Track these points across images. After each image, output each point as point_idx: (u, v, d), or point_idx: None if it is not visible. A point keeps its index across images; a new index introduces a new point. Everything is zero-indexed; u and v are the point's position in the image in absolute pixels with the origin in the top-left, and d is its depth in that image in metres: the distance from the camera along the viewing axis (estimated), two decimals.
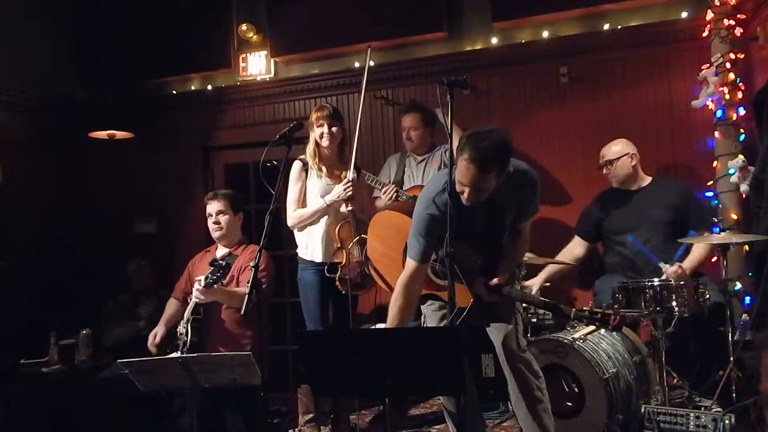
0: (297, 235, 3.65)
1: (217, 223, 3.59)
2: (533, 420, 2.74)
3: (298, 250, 3.66)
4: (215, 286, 3.22)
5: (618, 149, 3.74)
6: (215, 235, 3.62)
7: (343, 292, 3.44)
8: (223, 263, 3.23)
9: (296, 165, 3.60)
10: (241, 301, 3.30)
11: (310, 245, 3.58)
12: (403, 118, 4.17)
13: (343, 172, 3.50)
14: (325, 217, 3.54)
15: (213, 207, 3.61)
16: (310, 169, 3.59)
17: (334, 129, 3.50)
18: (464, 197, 2.51)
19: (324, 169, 3.56)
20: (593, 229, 3.84)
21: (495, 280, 2.64)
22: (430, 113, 4.09)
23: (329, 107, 3.53)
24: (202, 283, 3.22)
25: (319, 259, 3.55)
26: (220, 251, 3.68)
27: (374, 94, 4.85)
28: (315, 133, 3.53)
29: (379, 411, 3.93)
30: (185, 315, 3.43)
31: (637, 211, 3.65)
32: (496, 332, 2.72)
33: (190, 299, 3.38)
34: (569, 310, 2.53)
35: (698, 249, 3.49)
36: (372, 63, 4.88)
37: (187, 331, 3.36)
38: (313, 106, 4.93)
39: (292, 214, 3.58)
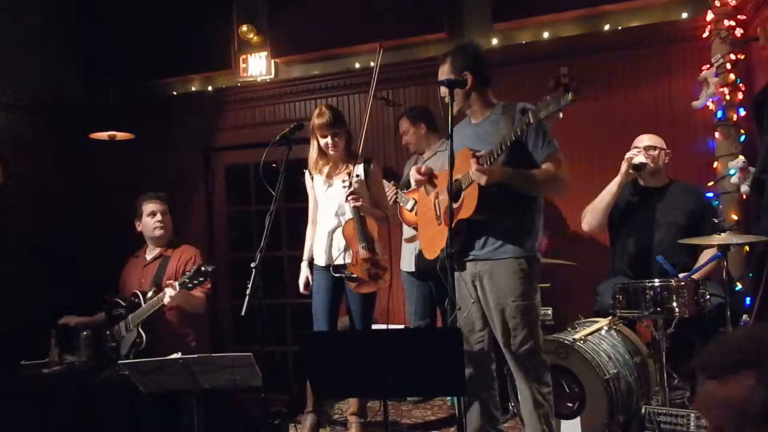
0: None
1: (162, 221, 3.76)
2: (529, 424, 2.78)
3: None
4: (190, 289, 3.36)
5: (659, 140, 3.68)
6: (158, 233, 3.76)
7: (352, 289, 3.44)
8: (209, 269, 3.29)
9: (306, 176, 3.67)
10: (196, 305, 3.58)
11: (316, 247, 3.60)
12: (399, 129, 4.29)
13: (347, 168, 3.48)
14: (331, 220, 3.53)
15: (159, 207, 3.78)
16: (315, 176, 3.61)
17: (337, 138, 3.47)
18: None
19: (325, 169, 3.57)
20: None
21: (481, 152, 2.64)
22: (414, 110, 4.20)
23: (328, 114, 3.45)
24: (177, 287, 3.31)
25: (321, 262, 3.55)
26: (151, 253, 3.81)
27: (375, 95, 4.84)
28: (319, 142, 3.50)
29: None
30: (137, 317, 3.49)
31: (659, 211, 3.62)
32: (496, 331, 2.74)
33: (140, 300, 3.51)
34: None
35: (712, 265, 3.46)
36: (362, 64, 4.91)
37: (139, 332, 3.47)
38: (314, 107, 4.91)
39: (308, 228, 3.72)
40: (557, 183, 2.75)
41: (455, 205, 2.79)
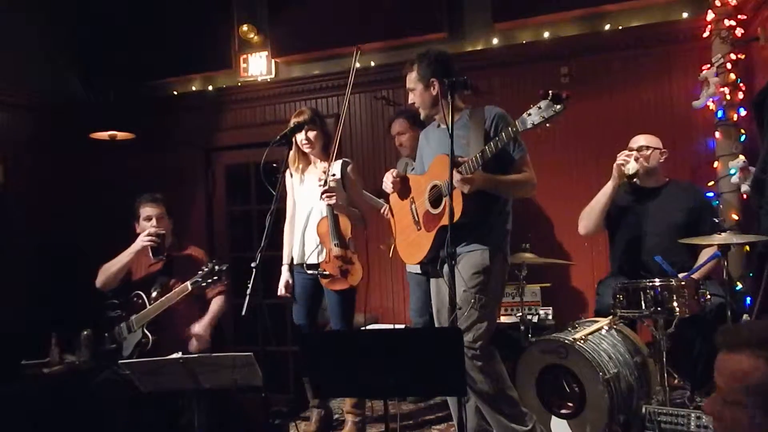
0: None
1: (158, 227, 3.64)
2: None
3: None
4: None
5: (655, 141, 3.69)
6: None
7: (325, 286, 3.48)
8: (223, 269, 3.29)
9: (286, 175, 3.67)
10: (221, 311, 3.63)
11: (294, 246, 3.65)
12: (391, 127, 4.21)
13: (323, 166, 3.51)
14: (304, 217, 3.58)
15: (155, 210, 3.67)
16: (294, 175, 3.66)
17: (311, 134, 3.52)
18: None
19: (302, 167, 3.62)
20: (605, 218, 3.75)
21: (463, 159, 2.65)
22: (412, 114, 4.13)
23: (307, 111, 3.53)
24: (189, 287, 3.32)
25: (295, 260, 3.62)
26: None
27: (375, 95, 4.86)
28: (297, 139, 3.55)
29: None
30: (143, 318, 3.47)
31: (657, 210, 3.62)
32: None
33: (144, 300, 3.49)
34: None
35: (711, 264, 3.46)
36: (363, 63, 4.91)
37: (144, 333, 3.44)
38: (315, 107, 4.95)
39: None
40: (530, 185, 2.86)
41: (437, 212, 2.81)
